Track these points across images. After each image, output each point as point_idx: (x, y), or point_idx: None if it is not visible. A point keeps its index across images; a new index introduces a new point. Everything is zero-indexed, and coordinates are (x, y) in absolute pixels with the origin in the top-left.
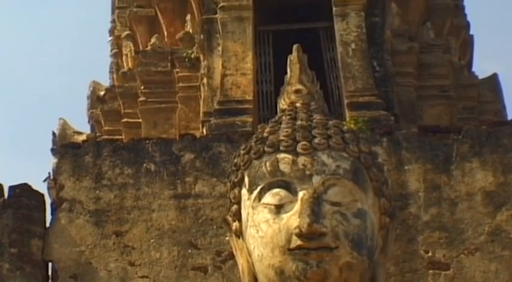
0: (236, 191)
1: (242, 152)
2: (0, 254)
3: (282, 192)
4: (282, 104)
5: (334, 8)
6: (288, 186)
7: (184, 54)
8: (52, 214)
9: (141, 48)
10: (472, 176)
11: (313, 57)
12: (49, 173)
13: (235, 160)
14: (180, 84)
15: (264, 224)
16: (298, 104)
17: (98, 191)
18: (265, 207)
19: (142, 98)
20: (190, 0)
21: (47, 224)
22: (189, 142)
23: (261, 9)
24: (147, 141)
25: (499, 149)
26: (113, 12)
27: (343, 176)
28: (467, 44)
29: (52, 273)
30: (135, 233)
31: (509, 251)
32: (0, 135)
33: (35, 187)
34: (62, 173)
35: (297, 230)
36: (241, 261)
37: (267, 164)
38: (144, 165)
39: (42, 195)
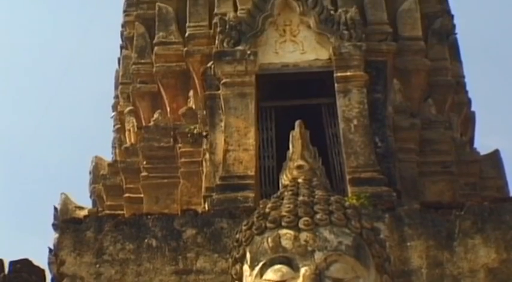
0: (238, 266)
1: (244, 227)
2: None
3: (283, 268)
4: (284, 179)
5: (336, 85)
6: (289, 263)
7: (187, 130)
8: None
9: (143, 123)
10: (475, 252)
11: (315, 133)
12: (49, 248)
13: (237, 236)
14: (183, 160)
15: None
16: (300, 180)
17: (99, 267)
18: None
19: (144, 173)
20: (193, 76)
21: None
22: (191, 217)
23: (263, 86)
24: (149, 217)
25: (501, 225)
26: (116, 88)
27: (345, 252)
28: (469, 120)
29: None
30: None
31: None
32: (1, 209)
33: (35, 262)
34: (63, 248)
35: None
36: None
37: (269, 239)
38: (146, 240)
39: (43, 270)
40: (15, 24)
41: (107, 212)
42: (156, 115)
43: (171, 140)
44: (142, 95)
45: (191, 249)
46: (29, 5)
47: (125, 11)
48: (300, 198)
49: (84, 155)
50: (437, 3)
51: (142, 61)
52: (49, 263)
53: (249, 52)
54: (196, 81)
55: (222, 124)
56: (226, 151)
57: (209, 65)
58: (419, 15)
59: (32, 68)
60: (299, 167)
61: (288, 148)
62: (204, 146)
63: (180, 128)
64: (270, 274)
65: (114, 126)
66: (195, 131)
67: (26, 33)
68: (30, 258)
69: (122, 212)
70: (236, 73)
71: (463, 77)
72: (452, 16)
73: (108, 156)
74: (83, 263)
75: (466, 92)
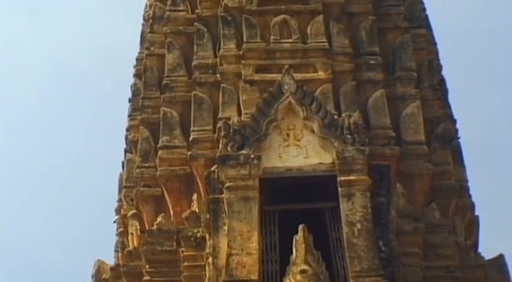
0: None
1: None
2: None
3: None
4: None
5: (339, 188)
6: None
7: (190, 234)
8: None
9: (147, 227)
10: None
11: (318, 237)
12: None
13: None
14: (185, 264)
15: None
16: None
17: None
18: None
19: (147, 277)
20: (196, 180)
21: None
22: None
23: (266, 189)
24: None
25: None
26: (119, 192)
27: None
28: (473, 224)
29: None
30: None
31: None
32: None
33: None
34: None
35: None
36: None
37: None
38: None
39: None
40: (20, 124)
41: None
42: (159, 219)
43: (174, 243)
44: (146, 199)
45: None
46: (32, 106)
47: (129, 115)
48: None
49: (86, 258)
50: (440, 108)
51: (146, 165)
52: None
53: (252, 156)
54: (200, 185)
55: (226, 228)
56: (229, 255)
57: (213, 168)
58: (422, 119)
59: (35, 171)
60: (303, 272)
61: (292, 252)
62: (207, 250)
63: (183, 231)
64: None
65: (117, 229)
66: (198, 235)
67: (30, 134)
68: None
69: None
70: (240, 177)
71: (466, 181)
72: (454, 121)
73: (110, 260)
74: None
75: (470, 196)
